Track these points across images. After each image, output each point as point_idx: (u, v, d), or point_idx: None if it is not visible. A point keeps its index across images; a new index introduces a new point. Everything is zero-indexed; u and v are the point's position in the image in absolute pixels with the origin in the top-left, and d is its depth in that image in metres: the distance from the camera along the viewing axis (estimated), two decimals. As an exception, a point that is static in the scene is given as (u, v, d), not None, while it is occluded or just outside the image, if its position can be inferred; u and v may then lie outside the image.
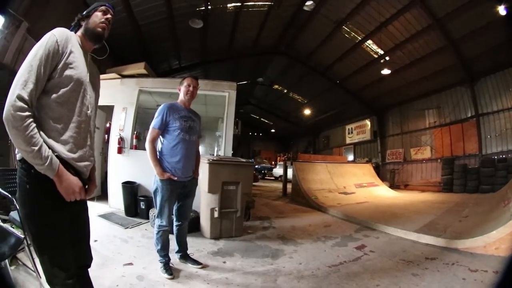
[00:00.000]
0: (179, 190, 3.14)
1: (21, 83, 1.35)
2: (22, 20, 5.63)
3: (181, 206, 3.29)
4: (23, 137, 1.31)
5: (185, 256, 3.44)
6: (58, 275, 1.49)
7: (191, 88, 3.24)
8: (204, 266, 3.34)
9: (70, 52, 1.55)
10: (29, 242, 2.32)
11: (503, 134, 11.62)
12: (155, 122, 3.08)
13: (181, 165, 3.08)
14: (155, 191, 3.10)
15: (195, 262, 3.38)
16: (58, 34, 1.53)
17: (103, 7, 1.76)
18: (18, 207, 1.58)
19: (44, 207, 1.46)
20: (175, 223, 3.32)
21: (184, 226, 3.39)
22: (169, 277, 2.97)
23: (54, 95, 1.48)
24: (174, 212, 3.26)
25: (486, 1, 8.87)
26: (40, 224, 1.46)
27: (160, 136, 3.13)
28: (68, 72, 1.52)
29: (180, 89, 3.31)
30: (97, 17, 1.73)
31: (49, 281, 1.51)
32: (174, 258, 3.36)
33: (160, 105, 3.22)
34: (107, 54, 1.87)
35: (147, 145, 3.03)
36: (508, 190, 6.14)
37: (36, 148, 1.33)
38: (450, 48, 11.64)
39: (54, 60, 1.48)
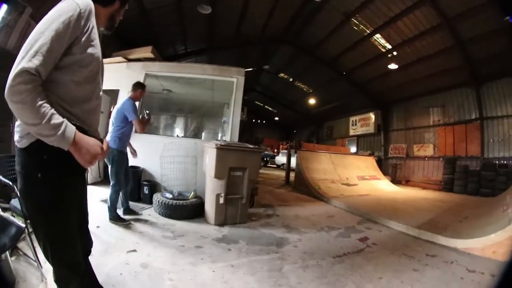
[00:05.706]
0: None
1: (30, 55, 1.12)
2: (26, 5, 5.47)
3: (128, 171, 4.52)
4: (30, 109, 1.10)
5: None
6: (69, 274, 1.43)
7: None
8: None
9: (92, 27, 1.35)
10: (30, 230, 2.21)
11: (506, 140, 11.63)
12: (135, 115, 4.29)
13: None
14: (113, 161, 4.09)
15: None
16: (82, 4, 1.29)
17: (126, 6, 1.65)
18: (21, 201, 1.41)
19: (57, 197, 1.31)
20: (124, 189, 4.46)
21: None
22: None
23: (71, 73, 1.29)
24: (124, 177, 4.30)
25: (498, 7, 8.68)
26: (52, 219, 1.33)
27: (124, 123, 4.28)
28: (90, 50, 1.34)
29: (141, 93, 4.66)
30: (122, 11, 1.64)
31: (57, 280, 1.44)
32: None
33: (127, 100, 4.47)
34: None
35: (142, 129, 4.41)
36: (508, 195, 6.14)
37: (47, 117, 1.12)
38: (458, 48, 11.50)
39: (74, 33, 1.26)
